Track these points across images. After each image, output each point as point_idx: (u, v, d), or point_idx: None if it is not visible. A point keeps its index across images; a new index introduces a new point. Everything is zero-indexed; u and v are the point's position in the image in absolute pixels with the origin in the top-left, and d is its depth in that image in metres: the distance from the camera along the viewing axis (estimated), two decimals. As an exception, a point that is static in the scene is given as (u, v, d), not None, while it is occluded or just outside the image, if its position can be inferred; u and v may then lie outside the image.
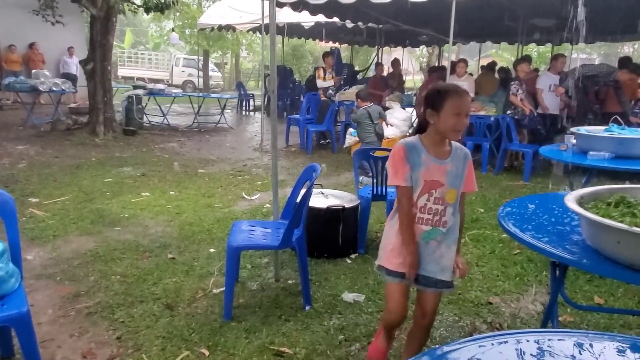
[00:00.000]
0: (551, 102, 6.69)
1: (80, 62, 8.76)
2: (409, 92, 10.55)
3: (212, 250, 3.60)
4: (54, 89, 9.22)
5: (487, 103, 7.32)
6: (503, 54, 22.74)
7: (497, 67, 9.51)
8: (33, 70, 10.16)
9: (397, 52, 18.79)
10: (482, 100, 7.45)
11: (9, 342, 2.24)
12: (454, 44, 15.85)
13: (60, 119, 8.86)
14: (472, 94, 7.33)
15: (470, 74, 8.08)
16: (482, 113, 7.04)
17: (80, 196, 4.83)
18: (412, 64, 19.88)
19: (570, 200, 1.65)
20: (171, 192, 5.11)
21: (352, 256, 3.57)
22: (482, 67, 10.11)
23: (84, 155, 6.76)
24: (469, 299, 2.96)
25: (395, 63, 10.15)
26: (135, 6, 9.21)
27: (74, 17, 12.00)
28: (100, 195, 4.88)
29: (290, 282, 3.14)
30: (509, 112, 6.66)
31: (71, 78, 11.91)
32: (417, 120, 1.99)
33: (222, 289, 2.91)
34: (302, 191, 2.79)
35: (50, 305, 2.75)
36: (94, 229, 3.96)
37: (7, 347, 2.24)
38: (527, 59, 7.54)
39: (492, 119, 6.78)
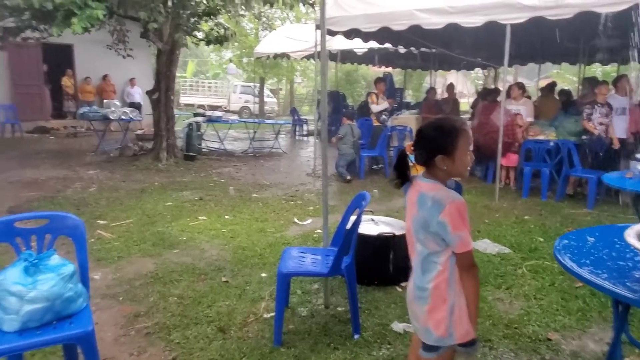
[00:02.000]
0: (619, 126, 6.34)
1: (147, 92, 9.37)
2: (464, 116, 10.37)
3: (263, 274, 3.68)
4: (123, 117, 9.90)
5: (546, 127, 7.05)
6: (565, 75, 21.85)
7: (558, 89, 9.16)
8: (105, 100, 11.00)
9: (452, 75, 18.61)
10: (541, 124, 7.18)
11: (75, 359, 2.40)
12: (510, 65, 15.43)
13: (127, 146, 9.48)
14: (530, 118, 7.10)
15: (529, 97, 7.84)
16: (542, 137, 6.78)
17: (143, 219, 5.11)
18: (468, 86, 19.53)
19: (631, 235, 1.56)
20: (226, 216, 5.29)
21: (403, 284, 3.52)
22: (542, 88, 9.78)
23: (148, 180, 7.16)
24: (525, 334, 2.83)
25: (450, 88, 10.05)
26: (197, 39, 9.78)
27: (142, 50, 12.90)
28: (162, 219, 5.14)
29: (339, 309, 3.14)
30: (584, 137, 6.36)
31: (136, 107, 12.73)
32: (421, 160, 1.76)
33: (272, 314, 2.96)
34: (352, 218, 2.82)
35: (113, 324, 2.92)
36: (154, 251, 4.18)
37: (73, 363, 2.39)
38: (605, 82, 7.11)
39: (551, 143, 6.51)
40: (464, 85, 19.83)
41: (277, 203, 6.00)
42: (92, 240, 4.34)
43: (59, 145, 10.74)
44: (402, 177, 1.75)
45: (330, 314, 3.08)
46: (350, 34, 7.59)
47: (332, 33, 7.50)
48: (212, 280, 3.58)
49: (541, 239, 4.57)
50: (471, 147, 1.69)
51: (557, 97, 8.57)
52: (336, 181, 7.44)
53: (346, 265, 2.73)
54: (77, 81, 13.56)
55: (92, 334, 2.03)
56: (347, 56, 12.72)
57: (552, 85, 9.29)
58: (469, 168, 1.71)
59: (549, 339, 2.79)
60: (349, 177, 7.39)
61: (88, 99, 13.11)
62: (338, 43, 10.64)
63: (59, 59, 13.25)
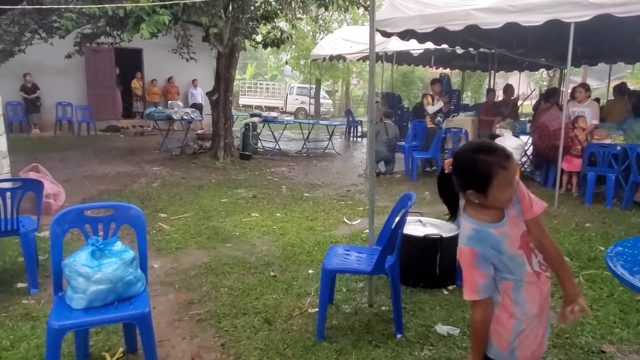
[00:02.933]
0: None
1: (207, 93, 9.80)
2: (524, 119, 9.96)
3: (310, 271, 3.77)
4: (185, 117, 10.41)
5: (614, 130, 6.65)
6: (639, 75, 20.38)
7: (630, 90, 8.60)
8: (169, 101, 11.60)
9: (515, 76, 17.89)
10: (608, 127, 6.79)
11: (134, 339, 2.60)
12: (578, 65, 14.56)
13: (188, 144, 9.96)
14: (596, 121, 6.72)
15: (597, 99, 7.41)
16: (608, 141, 6.41)
17: (200, 214, 5.38)
18: (531, 87, 18.70)
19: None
20: (277, 214, 5.44)
21: (450, 287, 3.49)
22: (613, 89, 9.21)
23: (205, 177, 7.50)
24: (577, 345, 2.72)
25: (508, 90, 9.69)
26: (255, 42, 10.11)
27: (204, 53, 13.49)
28: (217, 214, 5.38)
29: (383, 308, 3.16)
30: None
31: (198, 107, 13.32)
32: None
33: (317, 309, 3.03)
34: (397, 219, 2.84)
35: (169, 309, 3.12)
36: (209, 244, 4.39)
37: (132, 343, 2.60)
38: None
39: (618, 147, 6.13)
40: (528, 86, 18.98)
41: (327, 202, 6.09)
42: (154, 231, 4.63)
43: (127, 143, 11.47)
44: (450, 208, 1.68)
45: (374, 313, 3.11)
46: (406, 35, 7.54)
47: (387, 34, 7.49)
48: (261, 274, 3.72)
49: (602, 248, 4.33)
50: (515, 177, 1.54)
51: (627, 99, 8.05)
52: (389, 183, 7.41)
53: (390, 265, 2.75)
54: (145, 83, 14.40)
55: (149, 315, 2.20)
56: (403, 57, 12.60)
57: (622, 86, 8.73)
58: (508, 200, 1.56)
59: (603, 352, 2.66)
60: (377, 170, 7.48)
61: (154, 100, 13.89)
62: (394, 44, 10.61)
63: (130, 63, 14.14)
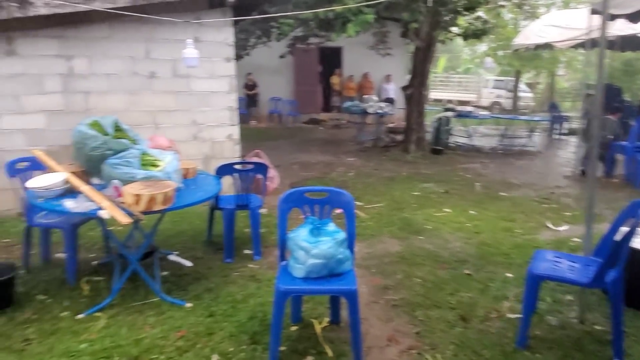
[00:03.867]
0: None
1: (402, 87, 9.98)
2: None
3: (508, 274, 3.57)
4: (379, 111, 10.78)
5: None
6: None
7: None
8: (364, 96, 12.14)
9: None
10: None
11: (338, 312, 2.87)
12: None
13: (380, 137, 10.32)
14: None
15: None
16: None
17: (391, 204, 5.56)
18: None
19: None
20: (471, 211, 5.27)
21: (689, 317, 2.91)
22: None
23: (396, 170, 7.69)
24: None
25: None
26: (454, 35, 9.84)
27: (399, 48, 13.70)
28: (408, 206, 5.49)
29: (597, 327, 2.82)
30: None
31: (390, 102, 13.61)
32: None
33: (517, 315, 2.88)
34: (624, 229, 2.49)
35: (366, 291, 3.33)
36: (401, 234, 4.52)
37: (336, 314, 2.87)
38: None
39: None
40: None
41: (527, 204, 5.64)
42: (350, 217, 4.97)
43: (326, 135, 12.47)
44: None
45: (585, 331, 2.80)
46: (637, 16, 6.39)
47: (612, 17, 6.46)
48: (454, 270, 3.68)
49: None
50: None
51: None
52: (604, 187, 6.46)
53: (612, 280, 2.43)
54: (342, 79, 15.39)
55: (356, 292, 2.41)
56: (628, 43, 10.69)
57: None
58: None
59: None
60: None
61: (350, 94, 14.72)
62: (618, 28, 9.09)
63: (330, 61, 15.27)
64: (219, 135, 5.67)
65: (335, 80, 15.28)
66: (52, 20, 4.77)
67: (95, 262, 3.75)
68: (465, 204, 5.58)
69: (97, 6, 4.72)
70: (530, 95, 25.45)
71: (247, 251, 4.03)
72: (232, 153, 5.74)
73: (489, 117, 11.03)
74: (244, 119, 14.09)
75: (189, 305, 3.05)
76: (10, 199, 4.89)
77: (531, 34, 12.16)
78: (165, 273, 3.54)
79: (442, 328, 2.81)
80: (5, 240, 4.30)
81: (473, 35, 9.01)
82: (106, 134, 3.16)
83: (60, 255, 3.82)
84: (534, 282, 2.59)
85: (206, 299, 3.15)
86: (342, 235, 2.57)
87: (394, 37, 11.57)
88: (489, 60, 18.27)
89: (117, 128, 3.29)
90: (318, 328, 2.78)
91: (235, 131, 5.77)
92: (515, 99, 21.05)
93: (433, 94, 25.73)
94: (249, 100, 13.95)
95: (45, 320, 2.86)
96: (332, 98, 15.47)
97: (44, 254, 3.74)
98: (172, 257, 3.84)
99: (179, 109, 5.46)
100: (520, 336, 2.61)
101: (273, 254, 4.04)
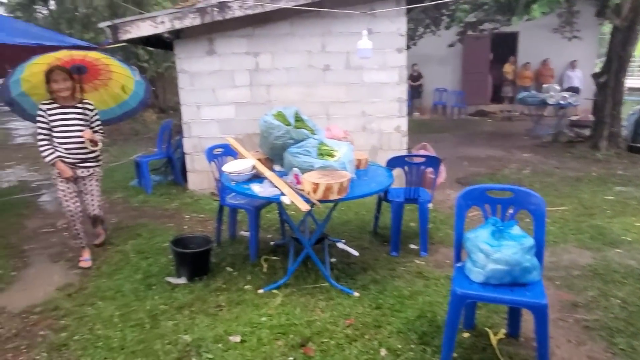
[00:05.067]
0: None
1: (593, 74, 8.67)
2: None
3: None
4: (561, 102, 9.56)
5: None
6: None
7: None
8: (544, 85, 10.89)
9: None
10: None
11: (518, 325, 2.59)
12: None
13: (562, 131, 9.16)
14: None
15: None
16: None
17: (579, 209, 4.86)
18: None
19: None
20: (688, 225, 4.31)
21: None
22: None
23: (583, 169, 6.72)
24: None
25: None
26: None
27: (588, 30, 11.92)
28: (600, 212, 4.74)
29: None
30: None
31: (574, 91, 11.98)
32: None
33: None
34: None
35: (550, 305, 2.90)
36: (592, 245, 3.91)
37: (515, 327, 2.60)
38: None
39: None
40: None
41: None
42: (527, 220, 4.48)
43: (495, 127, 11.58)
44: None
45: None
46: None
47: None
48: (667, 294, 3.03)
49: None
50: None
51: None
52: None
53: None
54: (517, 67, 14.07)
55: (547, 306, 2.12)
56: None
57: None
58: None
59: None
60: None
61: (525, 84, 13.38)
62: None
63: (503, 47, 14.06)
64: (387, 127, 5.65)
65: (508, 68, 14.02)
66: (243, 21, 5.29)
67: (273, 243, 4.06)
68: (679, 215, 4.59)
69: (282, 4, 5.07)
70: None
71: (413, 246, 3.93)
72: (399, 145, 5.67)
73: None
74: (407, 110, 13.98)
75: (356, 294, 3.09)
76: (206, 180, 5.62)
77: None
78: (333, 260, 3.65)
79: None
80: (201, 216, 4.94)
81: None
82: (288, 124, 3.35)
83: (244, 233, 4.24)
84: None
85: (373, 290, 3.15)
86: (529, 241, 2.30)
87: (583, 18, 10.12)
88: None
89: (298, 118, 3.47)
90: (494, 339, 2.55)
91: (404, 123, 5.68)
92: None
93: (628, 82, 21.95)
94: (413, 92, 13.69)
95: (232, 291, 3.19)
96: (504, 88, 14.24)
97: (231, 231, 4.19)
98: (340, 245, 3.94)
99: (350, 100, 5.59)
100: None
101: (440, 251, 3.87)
